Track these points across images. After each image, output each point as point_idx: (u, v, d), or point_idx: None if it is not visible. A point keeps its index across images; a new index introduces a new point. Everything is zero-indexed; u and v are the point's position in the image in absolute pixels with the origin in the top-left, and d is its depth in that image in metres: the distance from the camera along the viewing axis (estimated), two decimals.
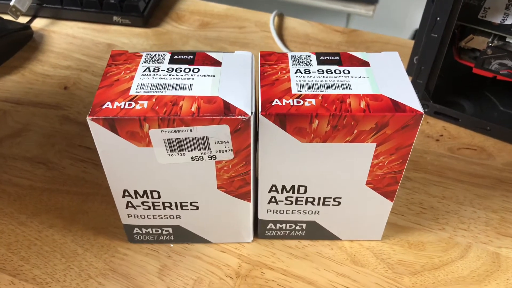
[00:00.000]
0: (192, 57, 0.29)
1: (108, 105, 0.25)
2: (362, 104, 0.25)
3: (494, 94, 0.44)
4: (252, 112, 0.25)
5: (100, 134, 0.26)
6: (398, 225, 0.35)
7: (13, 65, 0.50)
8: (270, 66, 0.28)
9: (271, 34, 0.54)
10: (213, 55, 0.29)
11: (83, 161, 0.40)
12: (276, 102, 0.26)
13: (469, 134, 0.42)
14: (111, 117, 0.25)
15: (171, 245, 0.33)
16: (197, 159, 0.27)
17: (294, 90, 0.26)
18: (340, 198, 0.30)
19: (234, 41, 0.53)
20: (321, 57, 0.29)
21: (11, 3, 0.53)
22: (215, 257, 0.33)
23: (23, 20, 0.55)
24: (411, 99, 0.26)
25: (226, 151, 0.27)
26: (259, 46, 0.52)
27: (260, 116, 0.25)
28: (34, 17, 0.57)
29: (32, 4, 0.55)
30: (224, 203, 0.30)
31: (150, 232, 0.32)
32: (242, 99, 0.26)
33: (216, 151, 0.27)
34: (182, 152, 0.27)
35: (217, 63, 0.28)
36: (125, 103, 0.26)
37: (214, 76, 0.27)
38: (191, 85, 0.27)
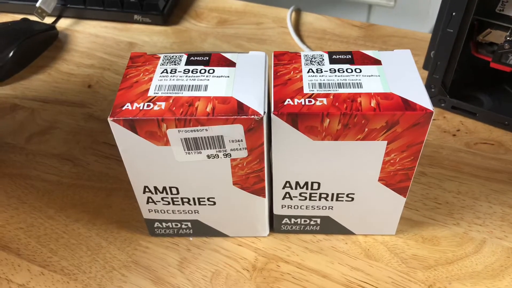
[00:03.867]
0: (207, 58, 0.30)
1: (128, 106, 0.27)
2: (373, 103, 0.26)
3: None
4: (264, 112, 0.26)
5: (121, 134, 0.27)
6: (412, 220, 0.35)
7: (40, 65, 0.52)
8: (283, 65, 0.29)
9: (288, 30, 0.54)
10: (228, 55, 0.30)
11: (107, 158, 0.41)
12: (288, 101, 0.26)
13: (487, 128, 0.42)
14: (130, 118, 0.26)
15: (191, 239, 0.35)
16: (213, 157, 0.28)
17: (306, 90, 0.27)
18: (353, 194, 0.31)
19: (251, 37, 0.54)
20: (334, 56, 0.29)
21: (37, 5, 0.55)
22: (233, 250, 0.34)
23: (48, 20, 0.57)
24: (421, 97, 0.26)
25: (240, 149, 0.28)
26: (276, 42, 0.53)
27: (272, 115, 0.26)
28: (58, 17, 0.59)
29: (56, 5, 0.57)
30: (240, 198, 0.31)
31: (170, 226, 0.34)
32: (255, 99, 0.27)
33: (231, 149, 0.28)
34: (198, 151, 0.28)
35: (231, 64, 0.29)
36: (144, 104, 0.27)
37: (228, 76, 0.28)
38: (206, 86, 0.28)
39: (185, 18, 0.58)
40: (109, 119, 0.26)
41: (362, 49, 0.51)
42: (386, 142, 0.27)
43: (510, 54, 0.38)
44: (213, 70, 0.29)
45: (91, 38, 0.56)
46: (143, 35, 0.56)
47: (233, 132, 0.27)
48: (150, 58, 0.30)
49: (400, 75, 0.28)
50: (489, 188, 0.37)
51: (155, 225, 0.34)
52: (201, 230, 0.34)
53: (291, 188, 0.31)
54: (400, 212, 0.32)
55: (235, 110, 0.26)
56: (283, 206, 0.32)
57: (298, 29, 0.55)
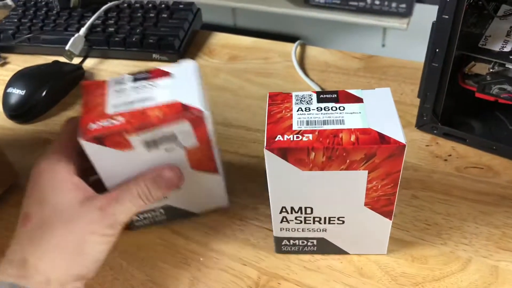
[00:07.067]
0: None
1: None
2: (353, 138, 0.30)
3: (504, 113, 0.47)
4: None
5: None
6: (403, 240, 0.38)
7: (68, 102, 0.58)
8: (277, 105, 0.33)
9: (293, 64, 0.59)
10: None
11: None
12: (279, 138, 0.30)
13: (477, 153, 0.45)
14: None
15: (201, 259, 0.39)
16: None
17: (295, 127, 0.31)
18: (343, 217, 0.34)
19: (260, 71, 0.58)
20: (321, 96, 0.33)
21: (66, 48, 0.61)
22: (238, 269, 0.38)
23: (76, 61, 0.63)
24: (396, 132, 0.30)
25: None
26: (281, 76, 0.57)
27: (265, 150, 0.30)
28: (85, 58, 0.64)
29: (83, 47, 0.63)
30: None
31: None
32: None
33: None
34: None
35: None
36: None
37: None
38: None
39: (199, 55, 0.63)
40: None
41: (362, 80, 0.55)
42: (367, 171, 0.31)
43: (493, 85, 0.41)
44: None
45: (114, 76, 0.61)
46: None
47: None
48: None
49: (378, 112, 0.31)
50: (477, 210, 0.40)
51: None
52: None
53: (287, 213, 0.34)
54: (388, 233, 0.35)
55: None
56: (282, 229, 0.36)
57: (302, 62, 0.59)
